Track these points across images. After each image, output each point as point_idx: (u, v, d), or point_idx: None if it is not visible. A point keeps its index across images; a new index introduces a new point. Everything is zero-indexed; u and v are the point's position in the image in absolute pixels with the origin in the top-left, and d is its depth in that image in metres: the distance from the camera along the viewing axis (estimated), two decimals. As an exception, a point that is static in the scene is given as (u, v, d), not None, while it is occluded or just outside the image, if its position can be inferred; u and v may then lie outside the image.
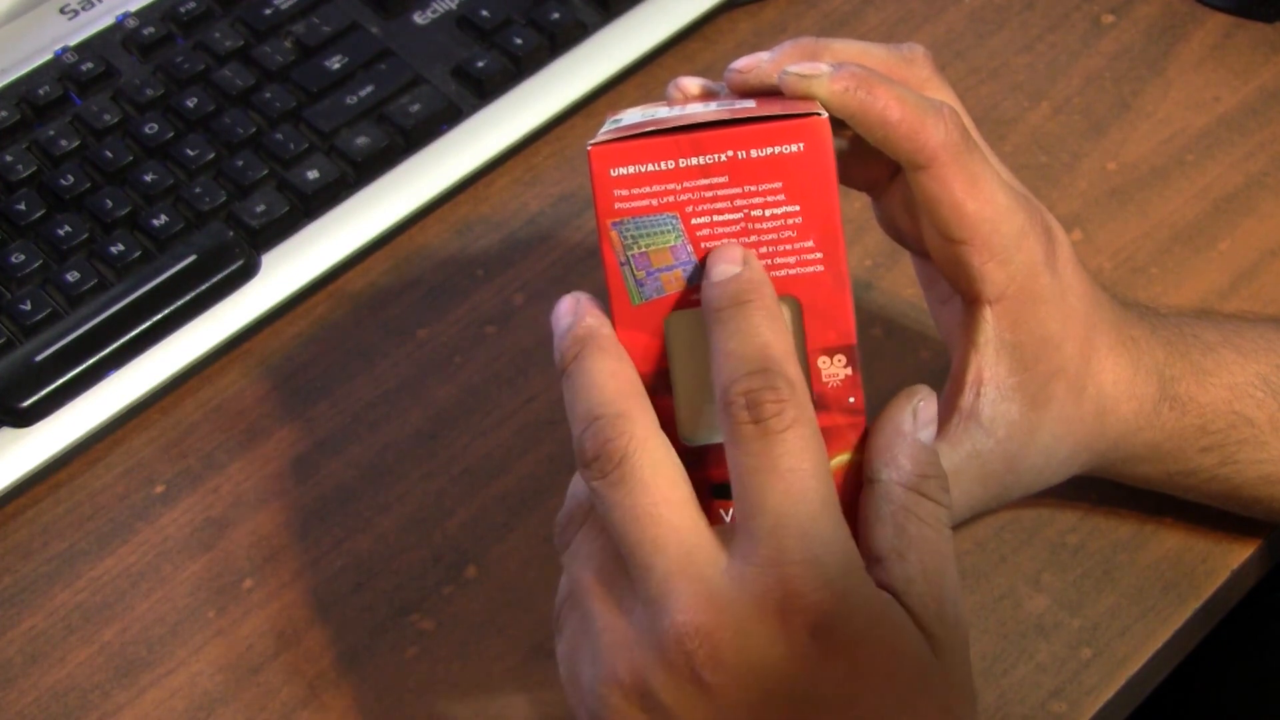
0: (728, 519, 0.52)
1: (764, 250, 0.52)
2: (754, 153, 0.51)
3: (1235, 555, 0.67)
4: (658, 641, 0.50)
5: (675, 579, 0.49)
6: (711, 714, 0.49)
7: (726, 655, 0.49)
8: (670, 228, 0.52)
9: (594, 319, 0.52)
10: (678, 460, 0.51)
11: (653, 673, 0.50)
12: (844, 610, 0.49)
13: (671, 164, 0.51)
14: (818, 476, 0.49)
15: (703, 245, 0.52)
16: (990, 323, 0.58)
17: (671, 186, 0.52)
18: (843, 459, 0.53)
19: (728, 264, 0.51)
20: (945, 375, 0.60)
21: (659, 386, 0.52)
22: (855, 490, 0.53)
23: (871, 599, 0.50)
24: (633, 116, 0.55)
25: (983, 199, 0.56)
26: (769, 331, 0.50)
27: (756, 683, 0.49)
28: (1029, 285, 0.58)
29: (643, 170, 0.51)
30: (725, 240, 0.52)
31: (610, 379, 0.51)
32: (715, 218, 0.52)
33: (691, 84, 0.58)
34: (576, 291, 0.53)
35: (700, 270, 0.52)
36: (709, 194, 0.52)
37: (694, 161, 0.51)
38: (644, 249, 0.52)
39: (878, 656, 0.49)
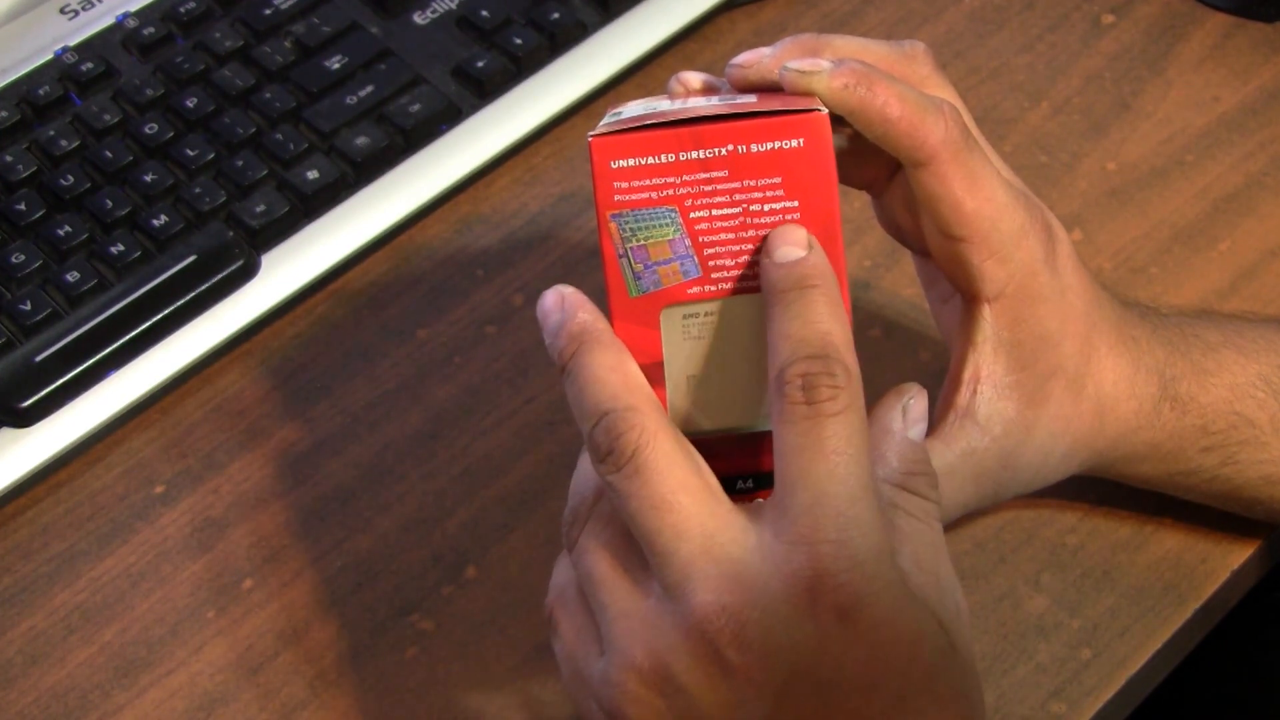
0: None
1: (761, 246, 0.52)
2: (754, 147, 0.51)
3: (1235, 556, 0.67)
4: (680, 623, 0.50)
5: (699, 561, 0.50)
6: (733, 697, 0.49)
7: (752, 634, 0.49)
8: (669, 221, 0.52)
9: (587, 314, 0.52)
10: (691, 448, 0.51)
11: (674, 655, 0.50)
12: (872, 593, 0.49)
13: (671, 157, 0.52)
14: (860, 463, 0.50)
15: (701, 239, 0.52)
16: (989, 320, 0.58)
17: (671, 180, 0.52)
18: None
19: (792, 246, 0.52)
20: (945, 376, 0.60)
21: (654, 378, 0.53)
22: None
23: (897, 585, 0.50)
24: (634, 109, 0.55)
25: (982, 196, 0.56)
26: (830, 319, 0.51)
27: (781, 664, 0.49)
28: (1028, 283, 0.58)
29: (643, 163, 0.52)
30: (724, 234, 0.52)
31: (613, 373, 0.51)
32: (714, 212, 0.52)
33: (693, 78, 0.58)
34: (558, 286, 0.54)
35: (696, 264, 0.52)
36: (708, 188, 0.52)
37: (694, 155, 0.52)
38: (642, 241, 0.52)
39: (901, 641, 0.49)
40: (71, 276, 0.71)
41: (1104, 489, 0.66)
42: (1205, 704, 0.83)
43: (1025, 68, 0.81)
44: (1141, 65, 0.81)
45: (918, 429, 0.53)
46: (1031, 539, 0.67)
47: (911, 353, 0.72)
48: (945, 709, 0.50)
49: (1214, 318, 0.65)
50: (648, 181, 0.52)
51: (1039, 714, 0.63)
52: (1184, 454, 0.62)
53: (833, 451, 0.49)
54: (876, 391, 0.54)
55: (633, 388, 0.51)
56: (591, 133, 0.52)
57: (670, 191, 0.52)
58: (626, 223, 0.52)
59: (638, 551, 0.52)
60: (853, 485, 0.49)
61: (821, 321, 0.51)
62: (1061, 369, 0.59)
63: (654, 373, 0.53)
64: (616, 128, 0.52)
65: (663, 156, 0.52)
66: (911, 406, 0.53)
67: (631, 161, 0.52)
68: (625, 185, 0.52)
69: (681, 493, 0.50)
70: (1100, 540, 0.67)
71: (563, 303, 0.53)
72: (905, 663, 0.50)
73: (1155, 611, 0.65)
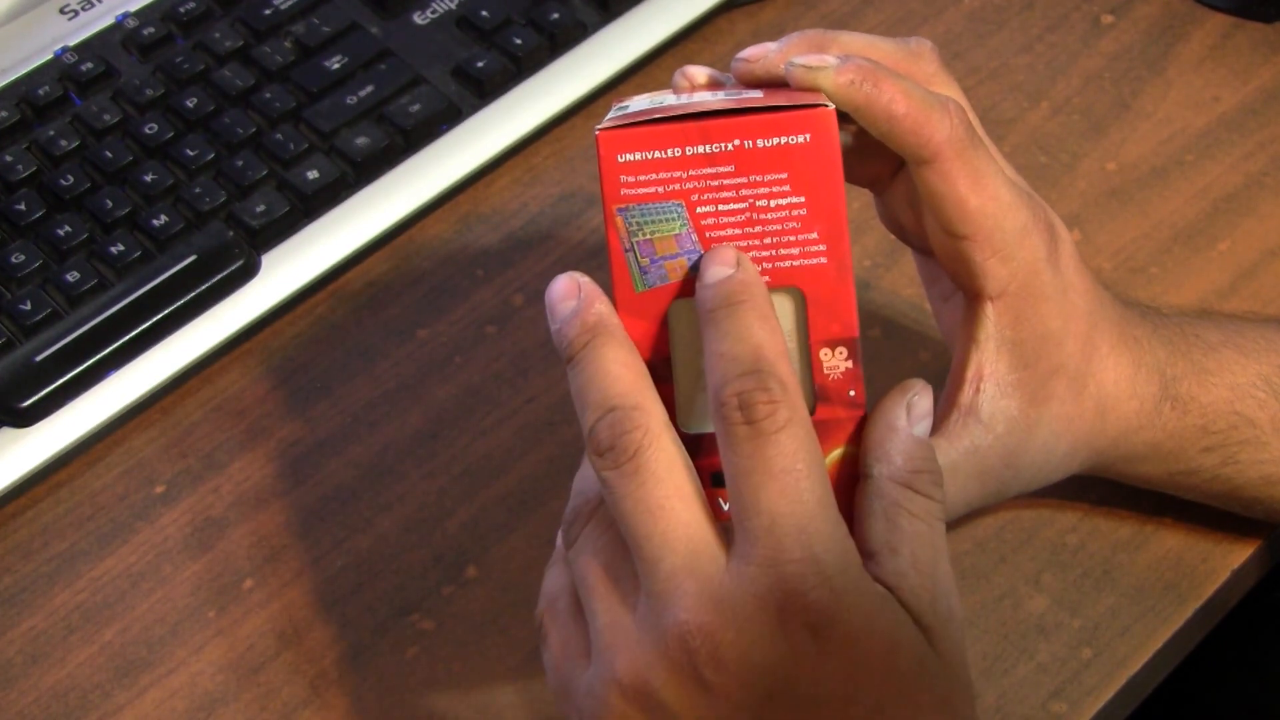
0: (725, 508, 0.52)
1: (768, 240, 0.52)
2: (760, 142, 0.51)
3: (1235, 555, 0.67)
4: (660, 640, 0.50)
5: (680, 575, 0.50)
6: (712, 714, 0.50)
7: (728, 654, 0.49)
8: (675, 216, 0.52)
9: (603, 305, 0.52)
10: (686, 455, 0.51)
11: (653, 672, 0.50)
12: (842, 607, 0.49)
13: (678, 151, 0.51)
14: (811, 476, 0.49)
15: (707, 234, 0.52)
16: (991, 319, 0.58)
17: (678, 174, 0.52)
18: (841, 452, 0.53)
19: (720, 265, 0.51)
20: (945, 376, 0.60)
21: (658, 374, 0.52)
22: (853, 483, 0.53)
23: (869, 595, 0.50)
24: (639, 103, 0.55)
25: (986, 194, 0.56)
26: (761, 332, 0.50)
27: (758, 682, 0.49)
28: (1031, 282, 0.58)
29: (650, 157, 0.52)
30: (730, 229, 0.52)
31: (624, 370, 0.51)
32: (720, 207, 0.52)
33: (698, 73, 0.58)
34: (573, 272, 0.53)
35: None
36: (714, 183, 0.52)
37: (700, 150, 0.51)
38: (649, 236, 0.52)
39: (876, 652, 0.49)
40: (71, 276, 0.71)
41: (1104, 489, 0.66)
42: (1206, 704, 0.83)
43: (1025, 68, 0.81)
44: (1141, 65, 0.81)
45: (922, 425, 0.53)
46: (1032, 539, 0.67)
47: (912, 353, 0.72)
48: (924, 715, 0.50)
49: (1214, 318, 0.65)
50: (654, 176, 0.52)
51: (1039, 714, 0.63)
52: (1184, 454, 0.62)
53: (781, 471, 0.49)
54: (878, 391, 0.54)
55: (642, 387, 0.51)
56: (598, 126, 0.52)
57: (677, 186, 0.52)
58: (633, 217, 0.52)
59: (631, 560, 0.52)
60: (808, 501, 0.49)
61: (752, 336, 0.50)
62: (1063, 367, 0.59)
63: (660, 369, 0.53)
64: (623, 121, 0.52)
65: (669, 151, 0.52)
66: (916, 403, 0.53)
67: (638, 155, 0.52)
68: (632, 179, 0.52)
69: (675, 499, 0.50)
70: (1101, 540, 0.67)
71: (579, 291, 0.53)
72: (882, 674, 0.50)
73: (1156, 611, 0.65)
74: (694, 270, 0.52)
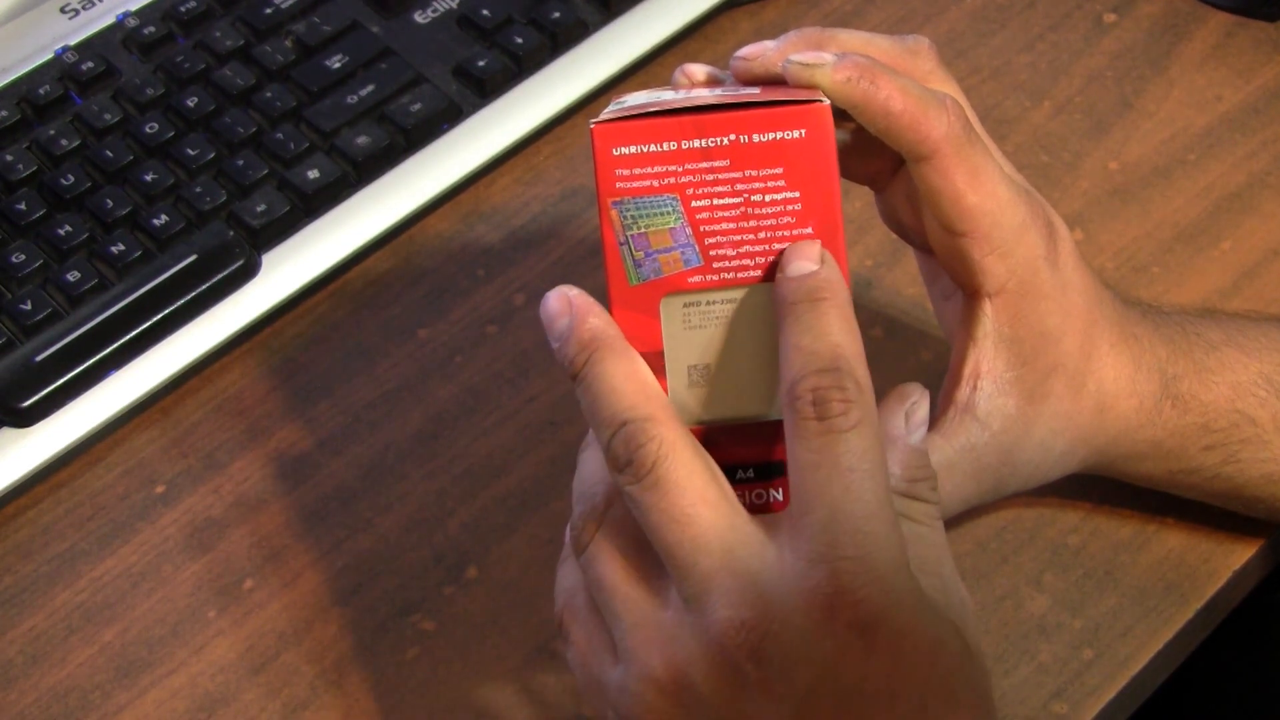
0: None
1: (763, 235, 0.52)
2: (756, 137, 0.51)
3: (1237, 556, 0.67)
4: (700, 636, 0.49)
5: (718, 575, 0.49)
6: (752, 709, 0.49)
7: (770, 650, 0.49)
8: (670, 209, 0.52)
9: (597, 319, 0.52)
10: (709, 458, 0.51)
11: (693, 667, 0.50)
12: (891, 606, 0.49)
13: (674, 145, 0.52)
14: (875, 479, 0.49)
15: (702, 228, 0.52)
16: (989, 316, 0.58)
17: (673, 168, 0.52)
18: None
19: (805, 260, 0.52)
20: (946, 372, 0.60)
21: (654, 367, 0.53)
22: None
23: (915, 594, 0.50)
24: (638, 99, 0.55)
25: (984, 191, 0.56)
26: (841, 332, 0.50)
27: (801, 678, 0.49)
28: (1029, 279, 0.58)
29: (645, 150, 0.52)
30: (725, 224, 0.52)
31: (629, 382, 0.51)
32: (715, 201, 0.52)
33: (697, 71, 0.58)
34: (562, 287, 0.53)
35: (697, 253, 0.52)
36: (709, 177, 0.52)
37: (696, 144, 0.52)
38: (643, 229, 0.52)
39: (922, 650, 0.49)
40: (72, 276, 0.71)
41: (1106, 489, 0.66)
42: (1208, 704, 0.83)
43: (1027, 67, 0.81)
44: (1144, 64, 0.81)
45: (919, 433, 0.53)
46: (1033, 539, 0.67)
47: (914, 352, 0.71)
48: (965, 713, 0.50)
49: (1216, 316, 0.65)
50: (649, 169, 0.52)
51: (1041, 714, 0.63)
52: (1185, 452, 0.62)
53: (847, 469, 0.49)
54: (878, 391, 0.53)
55: (650, 396, 0.51)
56: (594, 120, 0.52)
57: (672, 180, 0.52)
58: (628, 210, 0.52)
59: (652, 559, 0.51)
60: (869, 500, 0.49)
61: (832, 334, 0.50)
62: (1062, 365, 0.59)
63: (654, 362, 0.53)
64: (619, 115, 0.52)
65: (664, 144, 0.52)
66: (914, 411, 0.53)
67: (633, 149, 0.52)
68: (627, 173, 0.52)
69: (701, 505, 0.50)
70: (1102, 540, 0.67)
71: (570, 306, 0.53)
72: (925, 671, 0.50)
73: (1157, 611, 0.65)
74: (688, 264, 0.52)
